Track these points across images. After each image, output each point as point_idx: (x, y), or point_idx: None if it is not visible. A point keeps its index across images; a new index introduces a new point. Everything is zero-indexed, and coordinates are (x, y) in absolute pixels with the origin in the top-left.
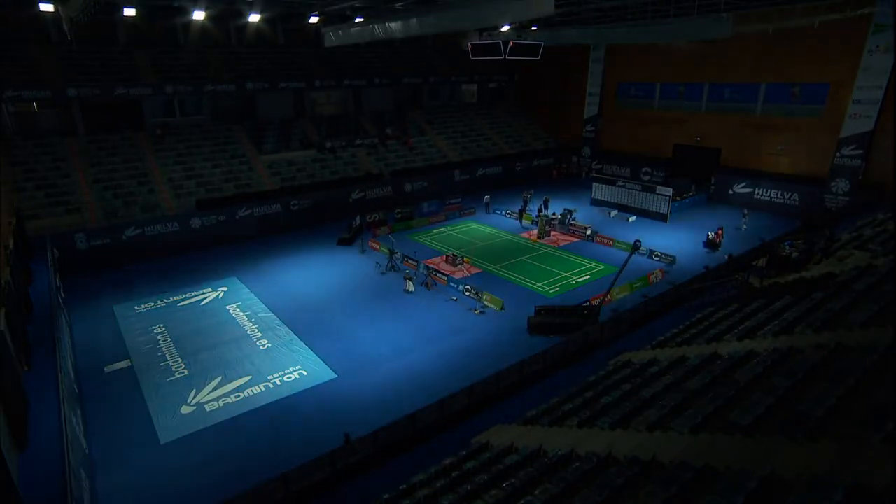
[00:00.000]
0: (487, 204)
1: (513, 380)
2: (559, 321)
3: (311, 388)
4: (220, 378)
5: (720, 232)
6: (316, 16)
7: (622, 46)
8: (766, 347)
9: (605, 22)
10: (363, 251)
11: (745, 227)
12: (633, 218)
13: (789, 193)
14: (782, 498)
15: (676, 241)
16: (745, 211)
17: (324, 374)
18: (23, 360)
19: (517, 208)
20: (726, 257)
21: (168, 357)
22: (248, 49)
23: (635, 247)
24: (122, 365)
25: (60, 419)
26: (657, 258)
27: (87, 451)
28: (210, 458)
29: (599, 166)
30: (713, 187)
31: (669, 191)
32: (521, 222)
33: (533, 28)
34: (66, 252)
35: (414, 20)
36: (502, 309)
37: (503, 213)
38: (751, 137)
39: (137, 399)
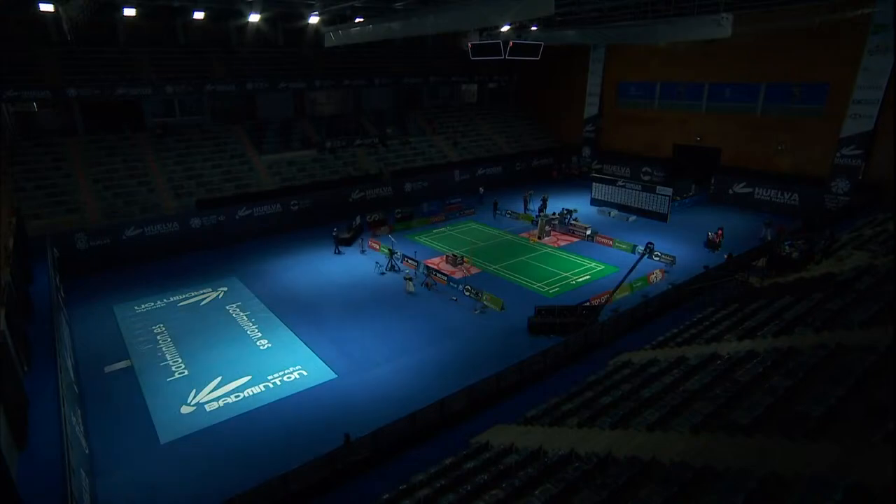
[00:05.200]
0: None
1: (513, 380)
2: (559, 321)
3: (311, 388)
4: (220, 378)
5: (720, 232)
6: (316, 16)
7: (622, 46)
8: (766, 347)
9: (605, 22)
10: (363, 251)
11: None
12: (633, 218)
13: (789, 193)
14: (782, 498)
15: (676, 241)
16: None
17: (324, 374)
18: (23, 360)
19: (518, 208)
20: (726, 257)
21: (168, 357)
22: (248, 49)
23: (647, 249)
24: (122, 365)
25: (60, 419)
26: (657, 258)
27: (87, 451)
28: (210, 458)
29: (599, 166)
30: (713, 187)
31: (669, 191)
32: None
33: (533, 28)
34: (66, 252)
35: (414, 20)
36: (502, 309)
37: (504, 212)
38: (751, 137)
39: (137, 399)
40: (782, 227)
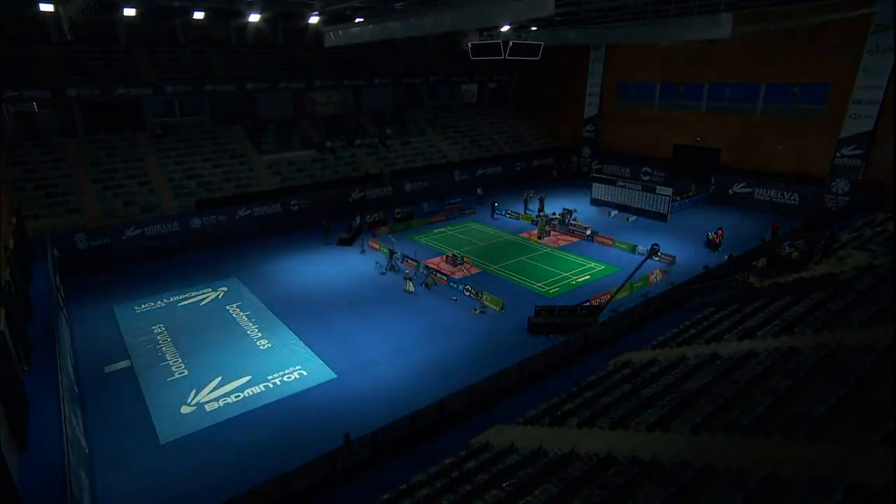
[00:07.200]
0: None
1: (513, 380)
2: (559, 321)
3: (311, 388)
4: (220, 378)
5: (720, 232)
6: (316, 16)
7: (622, 46)
8: (766, 347)
9: (605, 22)
10: (363, 251)
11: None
12: (633, 218)
13: (789, 193)
14: (782, 498)
15: (676, 241)
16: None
17: (324, 374)
18: (23, 360)
19: (518, 208)
20: (726, 257)
21: (168, 357)
22: (248, 49)
23: (653, 250)
24: (122, 365)
25: (60, 419)
26: (657, 258)
27: (87, 451)
28: (210, 458)
29: (599, 166)
30: (713, 187)
31: (669, 191)
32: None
33: (533, 28)
34: (66, 252)
35: (414, 20)
36: (502, 309)
37: (504, 212)
38: (751, 137)
39: (137, 399)
40: (776, 226)
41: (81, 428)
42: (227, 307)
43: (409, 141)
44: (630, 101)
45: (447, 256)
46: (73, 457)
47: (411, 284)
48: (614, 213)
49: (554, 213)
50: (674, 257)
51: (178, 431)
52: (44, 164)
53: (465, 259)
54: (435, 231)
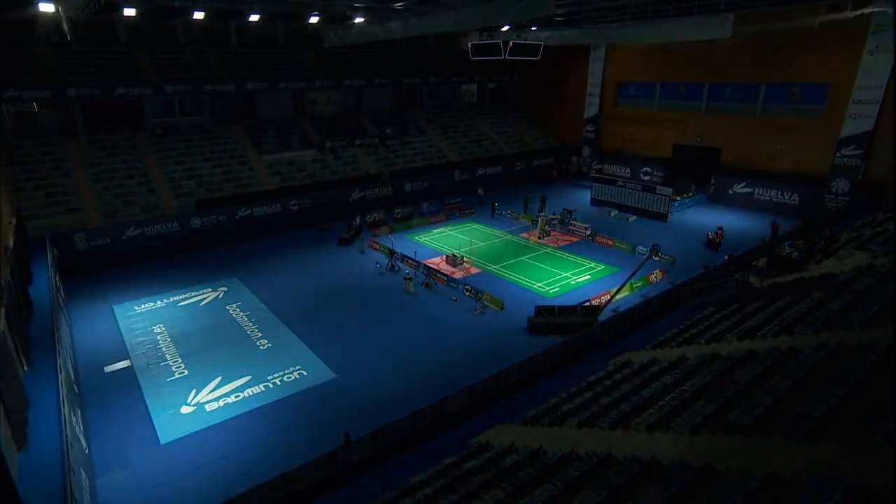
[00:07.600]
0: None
1: (513, 380)
2: (559, 321)
3: (311, 388)
4: (220, 378)
5: (720, 232)
6: (316, 16)
7: (622, 46)
8: (766, 347)
9: (605, 22)
10: (363, 251)
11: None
12: (633, 218)
13: (789, 193)
14: (782, 498)
15: (676, 241)
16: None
17: (324, 374)
18: (23, 360)
19: (518, 208)
20: (726, 257)
21: (168, 357)
22: (248, 49)
23: (653, 251)
24: (122, 365)
25: (60, 419)
26: (657, 258)
27: (87, 451)
28: (210, 458)
29: (599, 166)
30: (713, 187)
31: (669, 191)
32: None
33: (533, 28)
34: (66, 252)
35: (414, 20)
36: (502, 309)
37: (504, 212)
38: (751, 137)
39: (137, 399)
40: (776, 226)
41: (81, 428)
42: (227, 307)
43: (409, 141)
44: (630, 101)
45: (447, 256)
46: (73, 457)
47: (411, 284)
48: (614, 213)
49: (554, 214)
50: (674, 257)
51: (178, 431)
52: (44, 164)
53: (465, 259)
54: (435, 231)
